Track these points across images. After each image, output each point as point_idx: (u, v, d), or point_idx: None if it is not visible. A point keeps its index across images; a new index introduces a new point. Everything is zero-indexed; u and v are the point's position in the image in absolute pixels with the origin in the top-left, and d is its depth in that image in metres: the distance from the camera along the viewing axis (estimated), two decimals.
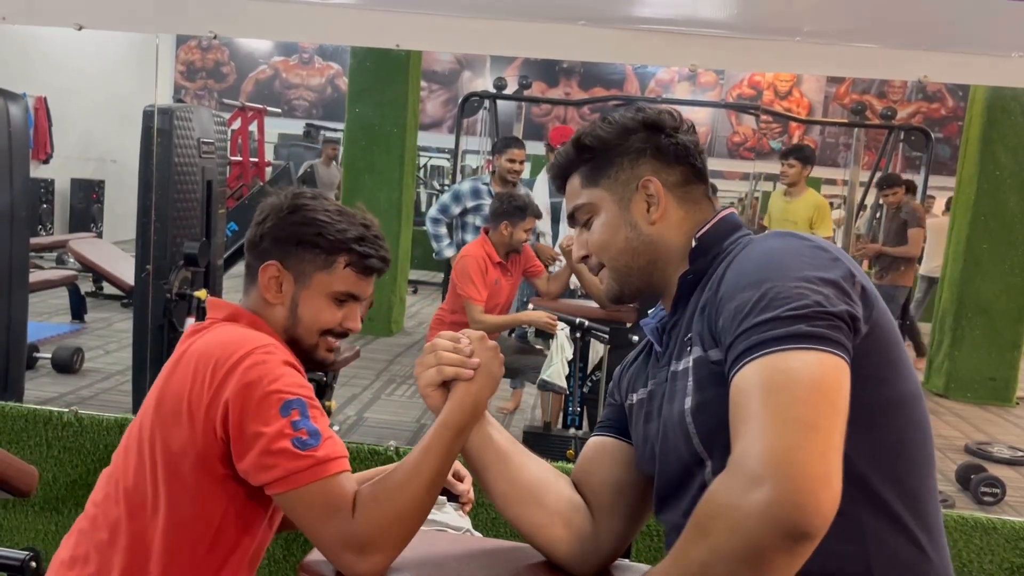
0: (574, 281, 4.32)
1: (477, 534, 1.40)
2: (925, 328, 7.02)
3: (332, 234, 1.30)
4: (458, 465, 1.47)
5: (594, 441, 1.21)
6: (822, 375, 0.84)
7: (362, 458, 2.41)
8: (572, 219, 1.18)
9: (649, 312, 1.17)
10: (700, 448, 0.98)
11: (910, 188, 6.29)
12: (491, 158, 5.50)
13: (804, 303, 0.87)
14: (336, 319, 1.34)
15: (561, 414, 3.92)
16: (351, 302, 1.35)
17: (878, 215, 7.04)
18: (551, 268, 4.31)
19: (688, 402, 0.99)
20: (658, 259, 1.12)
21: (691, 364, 1.00)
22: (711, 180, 1.19)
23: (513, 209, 3.69)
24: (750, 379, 0.86)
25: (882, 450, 0.92)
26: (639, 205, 1.11)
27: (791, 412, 0.82)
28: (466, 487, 1.48)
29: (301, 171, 8.94)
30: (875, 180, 6.72)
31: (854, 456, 0.85)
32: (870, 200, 7.31)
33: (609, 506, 1.15)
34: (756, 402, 0.84)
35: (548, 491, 1.15)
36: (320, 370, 1.38)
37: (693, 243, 1.09)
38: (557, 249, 4.38)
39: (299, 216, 1.32)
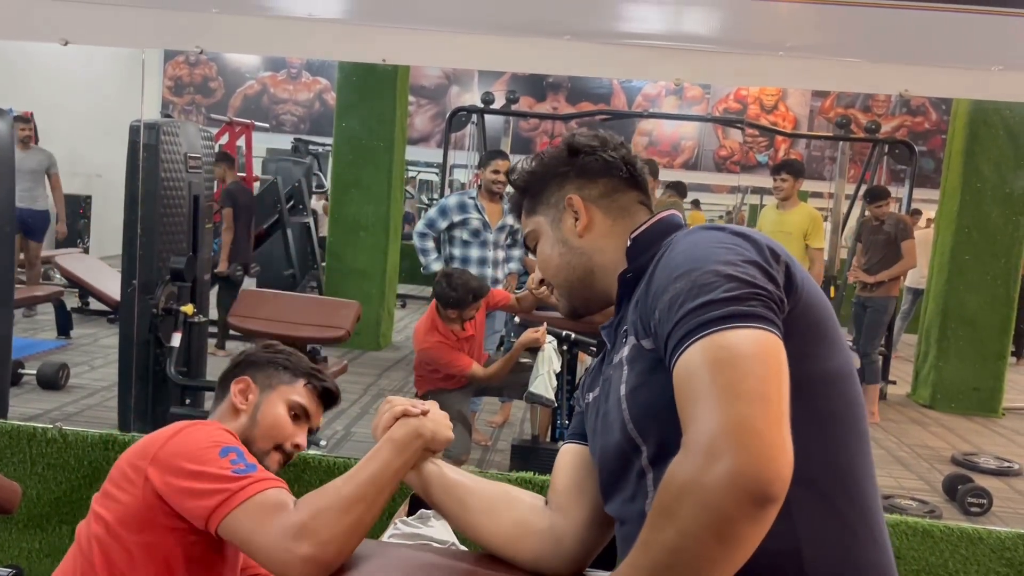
0: None
1: (463, 548, 1.40)
2: (912, 339, 7.06)
3: (298, 362, 1.58)
4: None
5: (563, 448, 1.25)
6: (764, 351, 0.87)
7: None
8: (527, 248, 1.29)
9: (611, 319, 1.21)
10: (634, 432, 1.00)
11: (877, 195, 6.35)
12: (478, 172, 5.52)
13: (734, 284, 0.90)
14: (288, 432, 1.50)
15: (550, 428, 3.92)
16: (302, 421, 1.53)
17: (862, 227, 7.08)
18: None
19: (623, 389, 1.02)
20: (594, 268, 1.18)
21: (626, 353, 1.04)
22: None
23: (456, 300, 3.56)
24: (694, 360, 0.88)
25: (810, 426, 0.94)
26: (567, 222, 1.19)
27: (741, 385, 0.84)
28: None
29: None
30: (862, 193, 6.77)
31: None
32: (855, 213, 7.36)
33: (569, 507, 1.18)
34: (704, 380, 0.86)
35: (499, 502, 1.20)
36: None
37: (628, 242, 1.14)
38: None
39: (273, 348, 1.61)
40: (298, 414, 1.52)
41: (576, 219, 1.18)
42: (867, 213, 6.32)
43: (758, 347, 0.87)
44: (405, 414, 1.22)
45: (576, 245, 1.18)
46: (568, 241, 1.19)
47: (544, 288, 3.68)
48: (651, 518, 0.85)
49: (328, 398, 1.58)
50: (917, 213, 10.45)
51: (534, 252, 1.25)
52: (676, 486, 0.83)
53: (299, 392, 1.53)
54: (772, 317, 0.90)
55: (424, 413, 1.23)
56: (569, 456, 1.22)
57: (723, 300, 0.89)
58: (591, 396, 1.18)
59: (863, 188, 6.91)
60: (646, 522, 0.86)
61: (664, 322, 0.94)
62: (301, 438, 1.51)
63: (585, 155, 1.19)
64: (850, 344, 5.42)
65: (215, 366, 4.51)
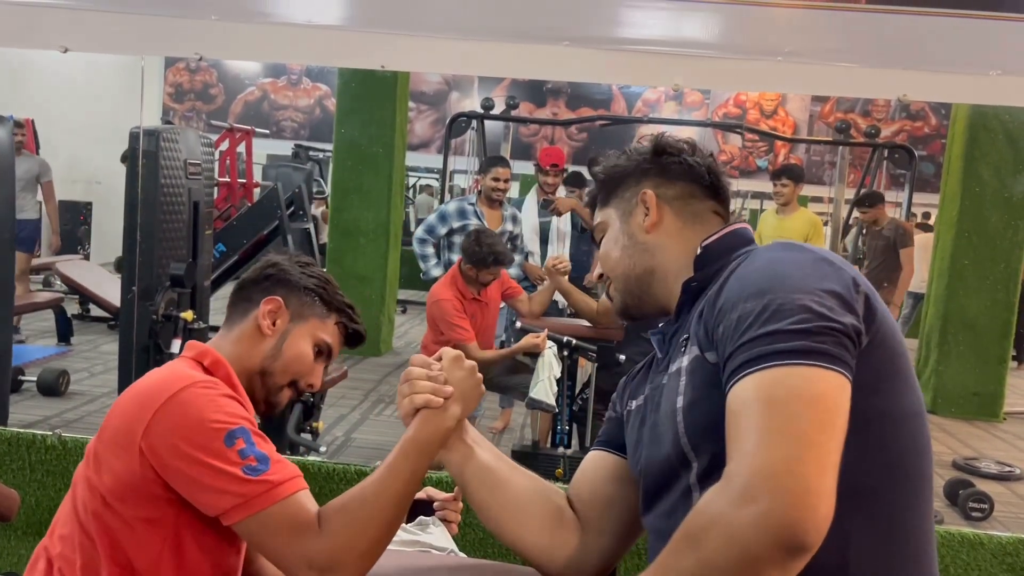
0: (562, 300, 4.32)
1: (462, 555, 1.40)
2: (912, 344, 7.06)
3: (333, 293, 1.43)
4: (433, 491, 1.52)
5: (591, 455, 1.22)
6: (823, 392, 0.84)
7: (349, 479, 2.40)
8: (594, 242, 1.25)
9: (660, 324, 1.18)
10: (687, 447, 0.97)
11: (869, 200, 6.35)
12: (478, 177, 5.52)
13: (807, 316, 0.87)
14: (307, 370, 1.40)
15: (550, 433, 3.91)
16: (322, 360, 1.43)
17: (864, 232, 7.08)
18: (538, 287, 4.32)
19: (680, 400, 0.99)
20: (655, 268, 1.14)
21: (686, 364, 1.01)
22: None
23: (477, 257, 3.71)
24: (750, 392, 0.85)
25: (877, 463, 0.92)
26: (637, 217, 1.16)
27: (790, 427, 0.82)
28: (446, 497, 1.49)
29: None
30: (855, 198, 6.80)
31: (842, 462, 0.85)
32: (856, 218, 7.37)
33: (597, 520, 1.16)
34: (755, 415, 0.84)
35: (531, 502, 1.16)
36: (267, 413, 1.40)
37: (699, 251, 1.11)
38: (544, 269, 4.39)
39: (309, 270, 1.44)
40: (322, 351, 1.42)
41: (646, 215, 1.15)
42: (859, 216, 6.33)
43: (817, 389, 0.84)
44: (427, 405, 1.13)
45: (641, 240, 1.15)
46: (634, 235, 1.16)
47: (563, 265, 3.72)
48: (675, 542, 0.84)
49: (355, 340, 1.47)
50: (926, 217, 10.44)
51: (599, 245, 1.21)
52: (707, 516, 0.82)
53: (329, 331, 1.41)
54: (842, 355, 0.86)
55: (448, 398, 1.13)
56: (600, 466, 1.19)
57: (792, 332, 0.86)
58: (634, 404, 1.15)
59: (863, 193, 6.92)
60: (669, 544, 0.85)
61: (727, 341, 0.91)
62: (317, 378, 1.42)
63: (669, 156, 1.17)
64: None
65: None
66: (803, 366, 0.85)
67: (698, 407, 0.97)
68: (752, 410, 0.84)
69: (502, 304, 4.24)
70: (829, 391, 0.84)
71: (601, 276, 1.21)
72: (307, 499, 1.15)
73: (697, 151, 1.17)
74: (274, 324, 1.38)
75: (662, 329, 1.15)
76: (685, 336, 1.04)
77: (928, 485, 0.98)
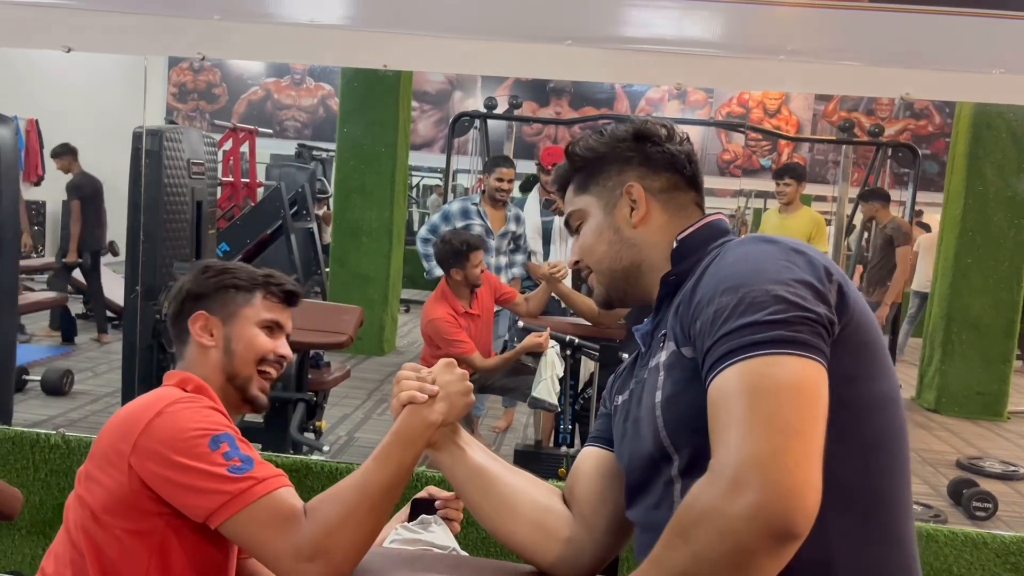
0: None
1: (464, 553, 1.40)
2: (916, 343, 7.05)
3: (244, 275, 1.46)
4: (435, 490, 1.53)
5: (584, 451, 1.22)
6: (803, 380, 0.85)
7: None
8: (568, 226, 1.22)
9: (645, 320, 1.18)
10: (667, 442, 0.98)
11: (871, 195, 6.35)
12: (482, 177, 5.52)
13: (782, 307, 0.87)
14: (268, 345, 1.43)
15: (553, 432, 3.91)
16: (277, 331, 1.45)
17: (867, 232, 7.08)
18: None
19: (658, 395, 1.00)
20: (642, 262, 1.14)
21: (663, 359, 1.01)
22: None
23: (453, 255, 3.68)
24: (731, 383, 0.86)
25: (854, 450, 0.93)
26: (623, 210, 1.14)
27: (775, 417, 0.82)
28: (448, 495, 1.50)
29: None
30: (857, 194, 6.81)
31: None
32: (859, 217, 7.36)
33: (591, 516, 1.16)
34: (738, 406, 0.84)
35: (523, 499, 1.17)
36: (254, 412, 1.42)
37: (674, 244, 1.11)
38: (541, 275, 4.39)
39: (211, 271, 1.46)
40: (270, 326, 1.44)
41: (633, 209, 1.13)
42: (860, 211, 6.33)
43: (798, 378, 0.85)
44: (411, 401, 1.15)
45: (628, 235, 1.14)
46: (620, 229, 1.14)
47: (561, 272, 3.73)
48: (667, 536, 0.85)
49: (291, 298, 1.48)
50: (918, 215, 10.42)
51: (577, 232, 1.19)
52: (697, 510, 0.82)
53: (261, 308, 1.44)
54: (818, 344, 0.87)
55: (433, 396, 1.15)
56: (592, 461, 1.20)
57: (769, 323, 0.87)
58: (620, 399, 1.16)
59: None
60: (661, 538, 0.85)
61: (705, 335, 0.92)
62: (283, 348, 1.44)
63: (652, 144, 1.14)
64: None
65: None
66: (782, 355, 0.85)
67: (676, 402, 0.98)
68: (734, 401, 0.85)
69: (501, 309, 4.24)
70: (809, 379, 0.85)
71: (577, 263, 1.20)
72: (292, 495, 1.17)
73: (675, 136, 1.16)
74: (212, 335, 1.41)
75: (644, 324, 1.15)
76: (663, 332, 1.05)
77: (905, 469, 0.98)
